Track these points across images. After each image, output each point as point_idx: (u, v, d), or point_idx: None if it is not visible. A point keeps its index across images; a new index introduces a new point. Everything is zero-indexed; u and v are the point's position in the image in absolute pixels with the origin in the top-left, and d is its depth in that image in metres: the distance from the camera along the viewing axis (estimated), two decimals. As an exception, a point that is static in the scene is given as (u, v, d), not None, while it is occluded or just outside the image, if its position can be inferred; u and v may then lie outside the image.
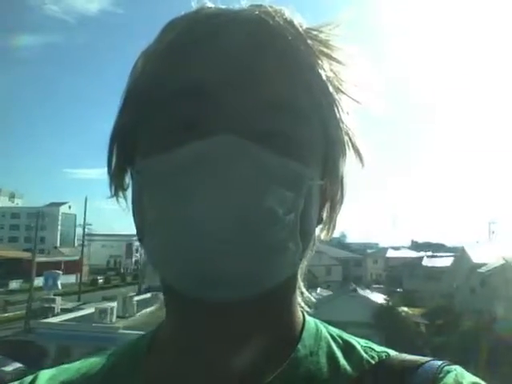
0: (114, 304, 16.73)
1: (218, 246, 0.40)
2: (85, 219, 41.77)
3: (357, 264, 52.19)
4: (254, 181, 0.41)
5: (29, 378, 0.55)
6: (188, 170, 0.42)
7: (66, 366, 0.57)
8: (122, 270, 59.63)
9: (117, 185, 0.52)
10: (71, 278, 48.99)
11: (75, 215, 70.04)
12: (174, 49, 0.46)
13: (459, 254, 30.94)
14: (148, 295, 24.83)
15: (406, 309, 27.28)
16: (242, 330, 0.46)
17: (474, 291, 26.85)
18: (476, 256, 27.05)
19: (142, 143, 0.48)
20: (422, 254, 43.29)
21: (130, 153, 0.50)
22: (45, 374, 0.55)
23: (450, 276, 31.13)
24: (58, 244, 63.01)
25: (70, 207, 68.22)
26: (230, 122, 0.43)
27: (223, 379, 0.46)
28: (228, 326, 0.45)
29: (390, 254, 49.86)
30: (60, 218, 65.82)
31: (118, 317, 16.60)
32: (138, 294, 27.66)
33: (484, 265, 25.03)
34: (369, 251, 57.71)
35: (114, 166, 0.52)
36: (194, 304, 0.44)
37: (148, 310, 18.68)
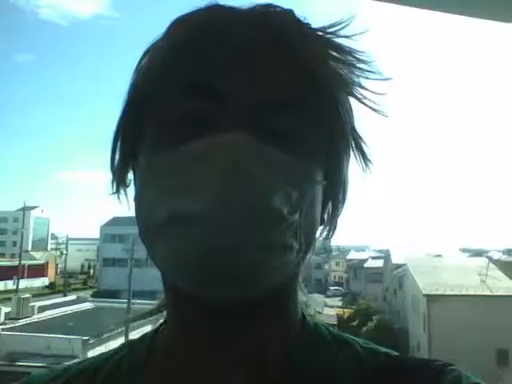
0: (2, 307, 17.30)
1: (224, 243, 0.40)
2: (23, 225, 42.01)
3: (318, 266, 52.67)
4: (260, 179, 0.41)
5: (23, 381, 0.56)
6: (194, 166, 0.42)
7: (64, 366, 0.57)
8: (91, 274, 59.98)
9: (119, 181, 0.53)
10: (36, 282, 49.59)
11: (48, 219, 70.44)
12: (183, 45, 0.47)
13: (385, 255, 31.47)
14: (72, 297, 25.37)
15: (331, 310, 27.79)
16: (243, 329, 0.46)
17: (395, 292, 27.43)
18: (396, 258, 27.57)
19: (147, 139, 0.48)
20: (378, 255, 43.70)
21: (134, 149, 0.50)
22: (43, 376, 0.56)
23: (385, 277, 31.66)
24: (30, 248, 63.22)
25: (42, 211, 68.49)
26: (238, 120, 0.43)
27: (223, 379, 0.46)
28: (229, 324, 0.46)
29: (351, 255, 50.34)
30: (32, 222, 66.03)
31: (10, 319, 17.06)
32: (65, 295, 28.32)
33: (402, 266, 25.57)
34: (334, 253, 58.12)
35: (117, 162, 0.52)
36: (197, 302, 0.44)
37: (52, 311, 19.17)
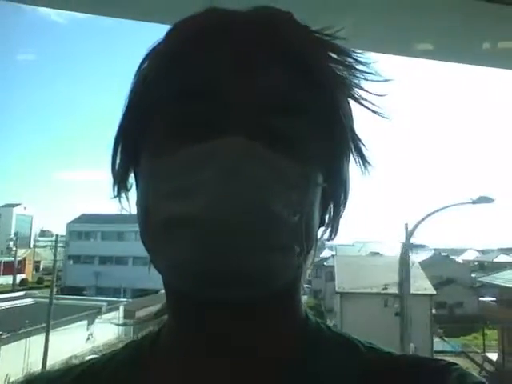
0: None
1: (226, 246, 0.40)
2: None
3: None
4: (260, 182, 0.41)
5: (31, 380, 0.56)
6: (195, 170, 0.42)
7: (70, 366, 0.57)
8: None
9: (120, 185, 0.53)
10: (11, 279, 49.93)
11: (31, 216, 70.74)
12: (182, 49, 0.47)
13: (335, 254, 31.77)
14: (19, 294, 25.71)
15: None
16: (244, 330, 0.46)
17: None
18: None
19: (148, 143, 0.48)
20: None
21: (134, 153, 0.50)
22: (46, 376, 0.57)
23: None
24: (12, 245, 63.55)
25: (25, 208, 68.81)
26: (237, 123, 0.43)
27: (225, 379, 0.47)
28: (230, 325, 0.45)
29: (324, 254, 50.53)
30: (14, 219, 66.40)
31: None
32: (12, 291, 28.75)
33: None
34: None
35: (117, 166, 0.52)
36: (197, 304, 0.45)
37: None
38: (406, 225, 13.24)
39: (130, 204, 0.53)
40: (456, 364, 0.49)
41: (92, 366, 0.56)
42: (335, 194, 0.52)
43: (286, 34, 0.47)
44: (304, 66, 0.47)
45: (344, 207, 0.53)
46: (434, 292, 18.69)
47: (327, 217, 0.53)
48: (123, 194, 0.54)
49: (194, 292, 0.43)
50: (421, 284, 18.49)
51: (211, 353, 0.47)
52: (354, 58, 0.50)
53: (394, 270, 19.61)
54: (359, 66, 0.50)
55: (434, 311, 32.64)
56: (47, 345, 16.40)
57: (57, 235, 21.46)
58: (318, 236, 0.52)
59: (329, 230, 0.54)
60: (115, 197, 0.53)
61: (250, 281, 0.42)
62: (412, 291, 17.93)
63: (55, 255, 19.92)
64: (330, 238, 0.54)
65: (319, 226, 0.51)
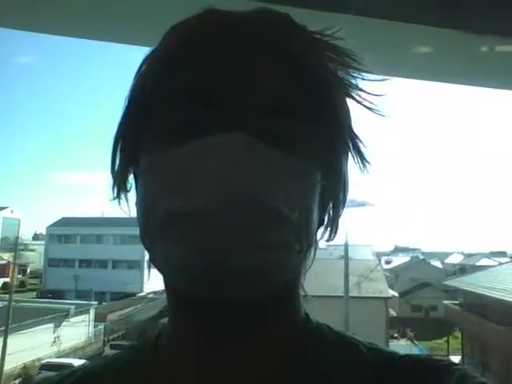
0: None
1: (225, 244, 0.39)
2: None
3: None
4: (259, 178, 0.41)
5: None
6: (193, 166, 0.42)
7: (71, 370, 0.57)
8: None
9: (119, 186, 0.53)
10: (-5, 282, 49.94)
11: (19, 220, 70.60)
12: (179, 50, 0.47)
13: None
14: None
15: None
16: (244, 329, 0.46)
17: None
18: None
19: (146, 143, 0.48)
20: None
21: (134, 153, 0.50)
22: (50, 380, 0.56)
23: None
24: (-1, 248, 63.41)
25: (12, 212, 68.73)
26: (236, 121, 0.43)
27: (225, 379, 0.46)
28: (229, 324, 0.45)
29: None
30: (1, 222, 66.32)
31: None
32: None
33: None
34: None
35: (117, 168, 0.52)
36: (196, 303, 0.44)
37: None
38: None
39: (128, 205, 0.53)
40: (458, 364, 0.49)
41: (95, 367, 0.57)
42: (334, 193, 0.52)
43: (283, 34, 0.48)
44: (302, 66, 0.47)
45: (343, 207, 0.53)
46: (389, 295, 18.82)
47: (326, 217, 0.53)
48: (122, 196, 0.54)
49: (192, 289, 0.43)
50: (378, 287, 18.65)
51: (211, 352, 0.47)
52: (351, 58, 0.50)
53: (353, 273, 19.80)
54: (357, 65, 0.50)
55: (411, 314, 32.90)
56: (5, 348, 16.47)
57: (17, 238, 21.48)
58: (318, 236, 0.52)
59: (328, 230, 0.53)
60: (115, 198, 0.53)
61: (249, 277, 0.41)
62: (369, 294, 18.15)
63: (15, 258, 19.97)
64: (330, 239, 0.54)
65: (319, 226, 0.51)
